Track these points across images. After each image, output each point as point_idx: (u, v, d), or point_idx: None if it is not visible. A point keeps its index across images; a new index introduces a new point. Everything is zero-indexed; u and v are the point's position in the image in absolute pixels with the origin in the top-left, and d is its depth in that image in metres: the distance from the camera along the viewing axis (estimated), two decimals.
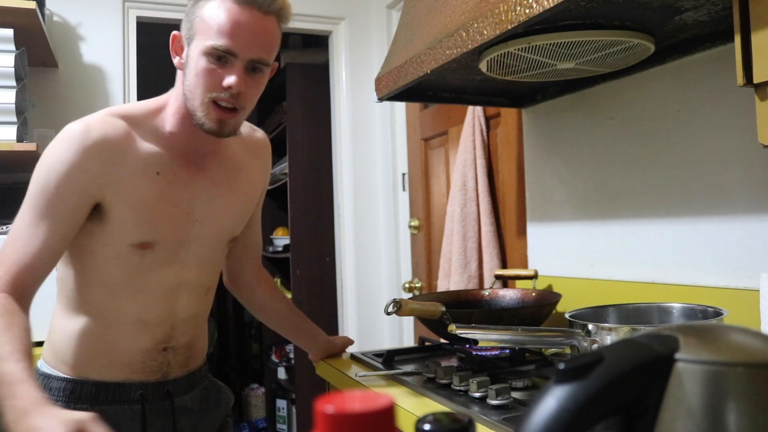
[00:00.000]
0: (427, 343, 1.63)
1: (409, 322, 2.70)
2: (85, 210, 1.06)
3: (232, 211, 1.23)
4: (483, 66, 1.29)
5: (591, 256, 1.60)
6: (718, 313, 0.96)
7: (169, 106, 1.13)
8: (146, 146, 1.10)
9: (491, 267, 1.94)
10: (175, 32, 1.11)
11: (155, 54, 2.62)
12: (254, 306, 1.44)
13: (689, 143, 1.33)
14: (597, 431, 0.50)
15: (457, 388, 1.19)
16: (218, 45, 1.03)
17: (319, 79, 3.12)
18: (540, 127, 1.78)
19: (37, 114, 2.29)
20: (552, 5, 0.95)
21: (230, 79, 1.04)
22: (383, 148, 2.87)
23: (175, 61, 1.11)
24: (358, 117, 2.89)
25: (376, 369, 1.38)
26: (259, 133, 1.33)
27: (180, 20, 1.11)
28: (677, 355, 0.50)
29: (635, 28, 1.15)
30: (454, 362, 1.38)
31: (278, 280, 3.50)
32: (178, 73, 1.12)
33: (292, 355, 3.41)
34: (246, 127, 1.29)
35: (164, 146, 1.12)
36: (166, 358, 1.18)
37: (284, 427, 3.50)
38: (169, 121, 1.12)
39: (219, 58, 1.04)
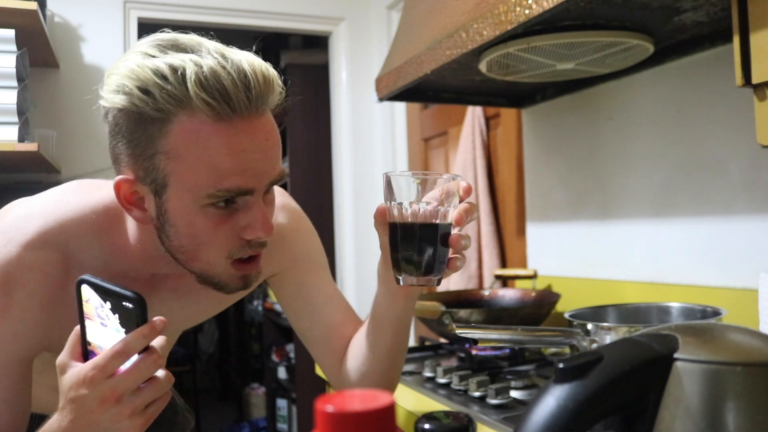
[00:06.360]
0: (427, 343, 1.64)
1: None
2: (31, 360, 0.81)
3: (198, 317, 1.00)
4: (483, 66, 1.30)
5: (590, 256, 1.60)
6: (716, 313, 0.96)
7: (128, 232, 0.83)
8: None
9: (491, 267, 1.94)
10: (120, 178, 0.77)
11: None
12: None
13: (688, 143, 1.33)
14: (596, 430, 0.50)
15: (457, 387, 1.19)
16: (225, 190, 0.73)
17: (319, 80, 3.12)
18: (540, 127, 1.78)
19: (38, 114, 2.29)
20: (551, 6, 0.95)
21: (255, 229, 0.77)
22: (383, 148, 2.87)
23: (134, 214, 0.79)
24: (358, 117, 2.89)
25: None
26: (279, 219, 0.98)
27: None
28: (676, 355, 0.50)
29: (634, 28, 1.15)
30: (453, 362, 1.39)
31: None
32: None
33: (292, 355, 3.42)
34: None
35: (108, 276, 0.80)
36: None
37: (284, 426, 3.50)
38: (122, 249, 0.84)
39: (228, 202, 0.75)
